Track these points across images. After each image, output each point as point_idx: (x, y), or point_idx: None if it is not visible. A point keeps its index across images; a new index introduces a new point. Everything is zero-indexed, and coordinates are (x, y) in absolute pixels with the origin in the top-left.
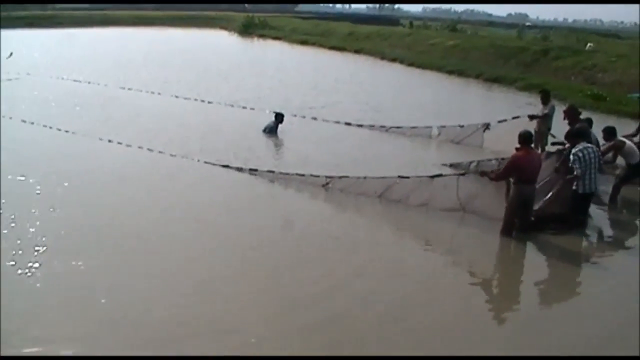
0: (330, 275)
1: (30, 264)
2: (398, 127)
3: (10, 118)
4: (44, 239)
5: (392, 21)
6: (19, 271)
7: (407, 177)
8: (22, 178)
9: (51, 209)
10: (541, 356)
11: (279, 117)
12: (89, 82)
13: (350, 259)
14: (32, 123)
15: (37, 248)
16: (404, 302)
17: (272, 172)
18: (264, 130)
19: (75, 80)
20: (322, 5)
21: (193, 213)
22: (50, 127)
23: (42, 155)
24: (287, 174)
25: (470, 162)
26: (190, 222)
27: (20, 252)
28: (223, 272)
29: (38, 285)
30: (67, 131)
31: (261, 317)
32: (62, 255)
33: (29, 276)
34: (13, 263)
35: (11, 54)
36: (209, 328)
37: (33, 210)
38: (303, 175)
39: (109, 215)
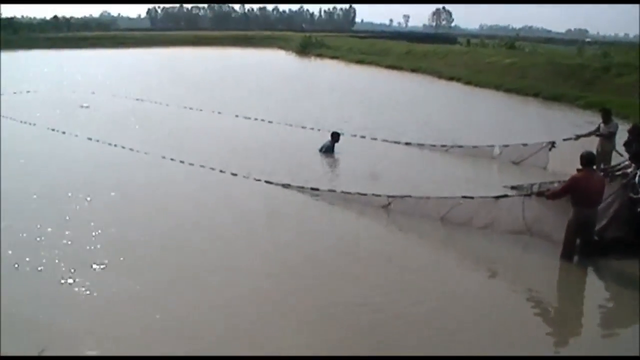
0: (389, 302)
1: (86, 282)
2: (459, 147)
3: (76, 136)
4: (102, 257)
5: (449, 39)
6: (76, 289)
7: (471, 198)
8: (88, 198)
9: (109, 227)
10: (541, 356)
11: (335, 137)
12: (152, 102)
13: (409, 284)
14: (97, 141)
15: (94, 266)
16: (460, 329)
17: (334, 191)
18: (321, 150)
19: (137, 99)
20: (378, 23)
21: (251, 232)
22: (115, 145)
23: (105, 173)
24: (349, 193)
25: (533, 184)
26: (248, 241)
27: (75, 270)
28: (276, 294)
29: (94, 303)
30: (131, 149)
31: (321, 342)
32: (119, 273)
33: (87, 294)
34: (71, 281)
35: (87, 106)
36: (272, 347)
37: (92, 229)
38: (365, 195)
39: (168, 235)
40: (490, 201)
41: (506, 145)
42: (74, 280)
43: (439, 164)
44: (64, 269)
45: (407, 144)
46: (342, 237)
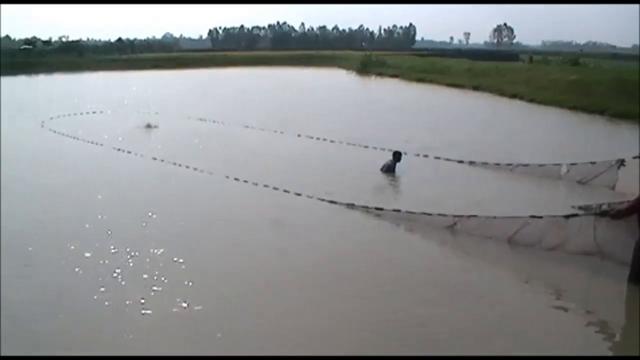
0: (458, 330)
1: (142, 301)
2: (525, 165)
3: (141, 156)
4: (162, 278)
5: (511, 56)
6: (136, 310)
7: (540, 217)
8: (151, 214)
9: (172, 250)
10: (541, 356)
11: (397, 156)
12: (214, 121)
13: (472, 312)
14: (162, 160)
15: (154, 288)
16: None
17: (398, 211)
18: (382, 169)
19: (200, 119)
20: (438, 41)
21: (312, 254)
22: (179, 165)
23: (168, 193)
24: (413, 213)
25: (601, 204)
26: (309, 263)
27: (137, 290)
28: (333, 319)
29: (153, 321)
30: (195, 169)
31: None
32: (177, 294)
33: (142, 314)
34: (128, 302)
35: (151, 127)
36: None
37: (152, 249)
38: (430, 214)
39: (230, 259)
40: (560, 221)
41: (574, 164)
42: (137, 301)
43: (504, 183)
44: (126, 289)
45: (471, 163)
46: (410, 260)
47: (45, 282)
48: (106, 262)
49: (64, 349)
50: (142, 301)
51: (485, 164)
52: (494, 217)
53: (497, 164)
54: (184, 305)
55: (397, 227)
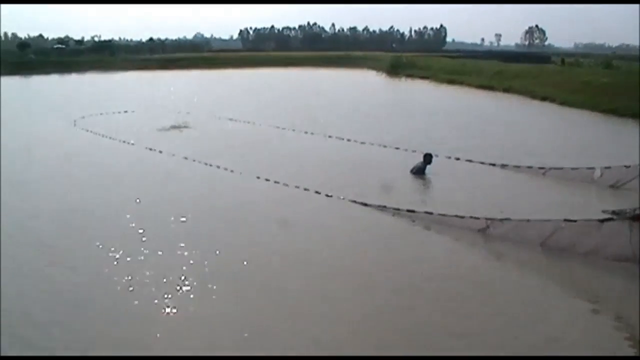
0: (489, 336)
1: (169, 303)
2: (558, 169)
3: (173, 155)
4: (191, 279)
5: (543, 58)
6: (163, 310)
7: (574, 221)
8: (183, 219)
9: (203, 247)
10: (541, 356)
11: (428, 158)
12: (244, 122)
13: (504, 312)
14: (194, 160)
15: (184, 288)
16: None
17: (430, 213)
18: (412, 171)
19: (231, 119)
20: (469, 43)
21: (348, 257)
22: (210, 165)
23: (200, 193)
24: (445, 215)
25: (635, 209)
26: (341, 265)
27: (166, 290)
28: (361, 327)
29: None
30: (226, 169)
31: None
32: (213, 294)
33: (169, 315)
34: (161, 301)
35: (182, 126)
36: None
37: (185, 249)
38: (462, 217)
39: (260, 259)
40: (595, 225)
41: (607, 167)
42: (166, 301)
43: (536, 186)
44: (154, 289)
45: (503, 166)
46: (441, 262)
47: (73, 280)
48: (134, 261)
49: (90, 349)
50: (168, 302)
51: (517, 167)
52: (527, 221)
53: (530, 167)
54: (212, 306)
55: (429, 229)
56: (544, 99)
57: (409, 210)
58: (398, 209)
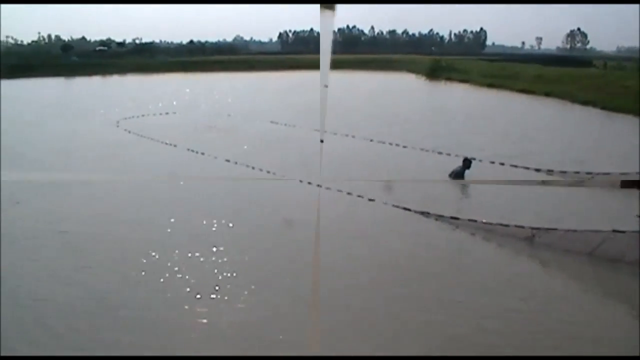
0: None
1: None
2: (606, 174)
3: (215, 157)
4: (227, 285)
5: (583, 62)
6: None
7: (623, 232)
8: (221, 219)
9: (237, 254)
10: (541, 356)
11: (467, 163)
12: (284, 124)
13: (551, 316)
14: (236, 163)
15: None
16: None
17: (475, 221)
18: (450, 175)
19: (271, 122)
20: (509, 46)
21: (390, 263)
22: (253, 168)
23: (245, 198)
24: (490, 223)
25: None
26: (385, 270)
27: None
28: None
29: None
30: (268, 172)
31: None
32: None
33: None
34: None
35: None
36: None
37: (217, 255)
38: (507, 225)
39: (299, 267)
40: None
41: None
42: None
43: (583, 194)
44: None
45: (549, 171)
46: (487, 271)
47: (110, 280)
48: (170, 265)
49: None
50: (200, 308)
51: (563, 172)
52: (575, 231)
53: (577, 172)
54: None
55: (473, 236)
56: (584, 103)
57: (452, 217)
58: (441, 216)
